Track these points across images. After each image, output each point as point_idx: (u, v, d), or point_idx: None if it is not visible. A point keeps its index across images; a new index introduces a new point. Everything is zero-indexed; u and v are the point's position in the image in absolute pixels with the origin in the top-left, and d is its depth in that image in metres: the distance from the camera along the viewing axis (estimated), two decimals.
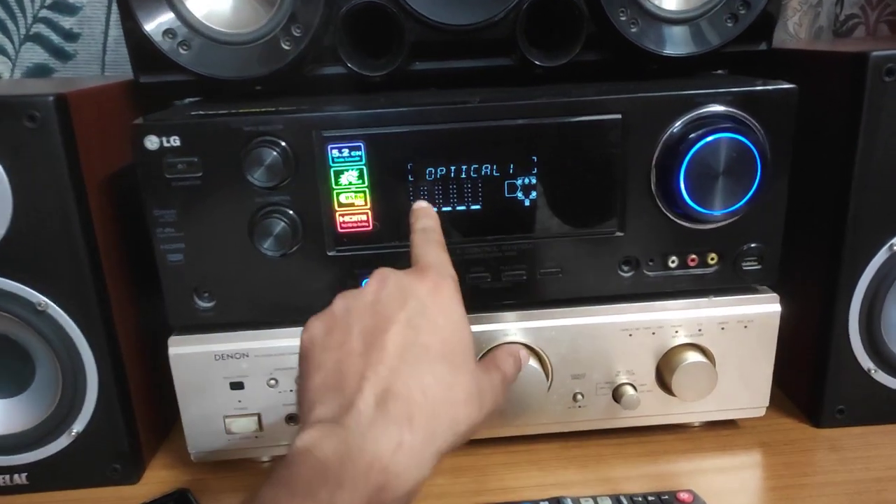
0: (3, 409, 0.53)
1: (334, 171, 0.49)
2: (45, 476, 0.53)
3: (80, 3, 0.74)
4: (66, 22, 0.75)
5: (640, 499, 0.48)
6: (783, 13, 0.80)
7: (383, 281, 0.40)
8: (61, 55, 0.76)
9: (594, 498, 0.48)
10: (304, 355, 0.39)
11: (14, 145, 0.46)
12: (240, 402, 0.53)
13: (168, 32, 0.52)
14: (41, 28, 0.75)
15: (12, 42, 0.76)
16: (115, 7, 0.74)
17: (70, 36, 0.76)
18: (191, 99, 0.63)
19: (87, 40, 0.76)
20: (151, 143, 0.47)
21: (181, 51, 0.52)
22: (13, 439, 0.52)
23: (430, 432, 0.34)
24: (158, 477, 0.55)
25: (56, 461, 0.53)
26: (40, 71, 0.77)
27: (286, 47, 0.52)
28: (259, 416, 0.53)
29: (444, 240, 0.45)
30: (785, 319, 0.54)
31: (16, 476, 0.53)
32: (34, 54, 0.76)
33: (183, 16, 0.52)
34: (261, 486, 0.32)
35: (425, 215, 0.46)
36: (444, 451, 0.35)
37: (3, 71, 0.76)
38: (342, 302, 0.39)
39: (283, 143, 0.47)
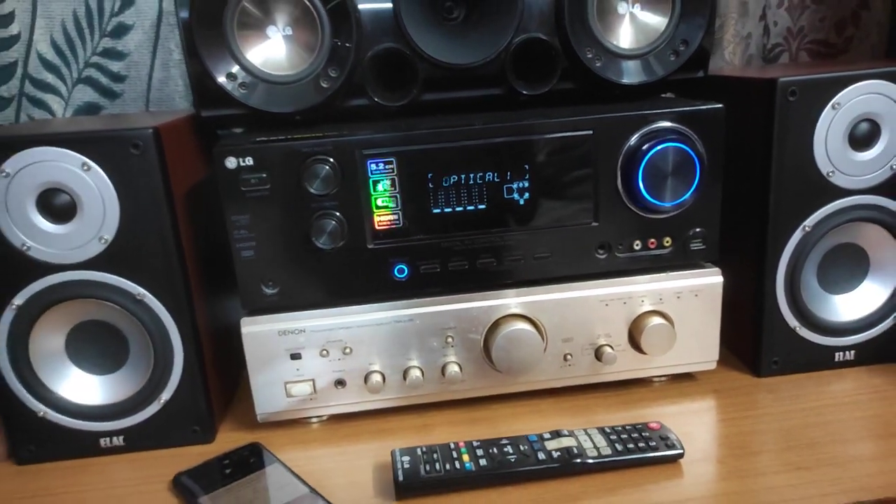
0: (104, 384, 0.64)
1: (372, 181, 0.62)
2: (138, 438, 0.64)
3: (127, 51, 0.86)
4: (115, 66, 0.86)
5: (619, 428, 0.61)
6: (720, 44, 0.95)
7: None
8: (109, 94, 0.87)
9: (585, 429, 0.62)
10: None
11: (122, 167, 0.58)
12: (297, 370, 0.65)
13: (230, 76, 0.65)
14: (92, 72, 0.86)
15: (66, 84, 0.87)
16: (159, 53, 0.86)
17: (118, 78, 0.87)
18: (235, 129, 0.75)
19: (133, 81, 0.87)
20: (231, 163, 0.59)
21: (240, 90, 0.65)
22: (112, 408, 0.64)
23: None
24: (229, 438, 0.67)
25: (147, 425, 0.64)
26: (90, 108, 0.88)
27: (325, 85, 0.65)
28: (313, 381, 0.65)
29: None
30: (727, 289, 0.69)
31: (114, 438, 0.64)
32: (84, 94, 0.87)
33: (243, 63, 0.65)
34: None
35: None
36: None
37: (57, 109, 0.88)
38: None
39: (333, 160, 0.60)
